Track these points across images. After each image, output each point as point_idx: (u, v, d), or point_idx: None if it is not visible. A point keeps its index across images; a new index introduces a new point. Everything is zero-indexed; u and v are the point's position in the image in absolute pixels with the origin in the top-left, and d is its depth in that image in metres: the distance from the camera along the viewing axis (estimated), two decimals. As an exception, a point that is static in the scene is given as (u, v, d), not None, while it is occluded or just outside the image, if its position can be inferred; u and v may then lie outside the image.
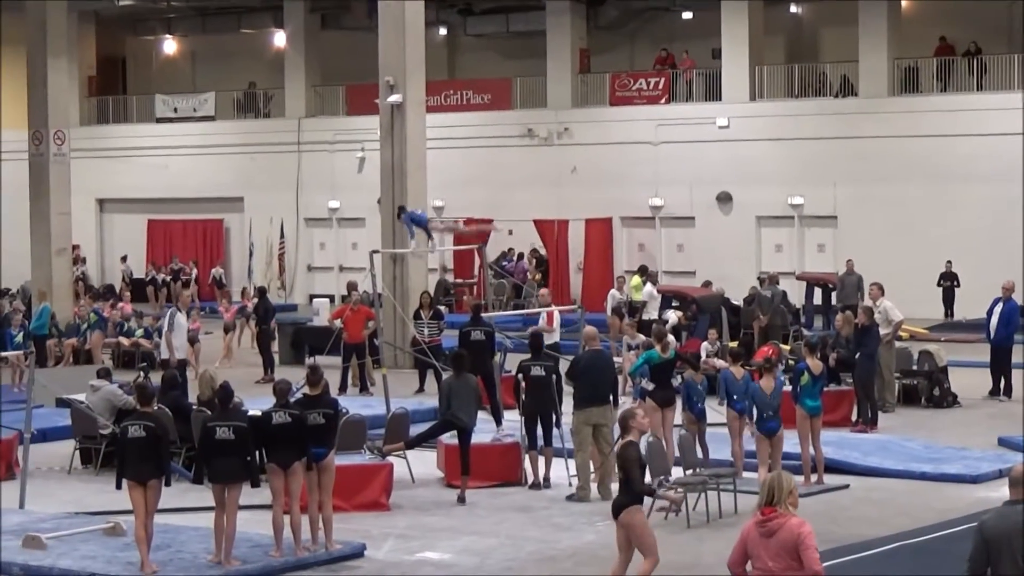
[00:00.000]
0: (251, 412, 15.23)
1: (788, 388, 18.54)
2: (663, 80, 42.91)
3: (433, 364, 23.68)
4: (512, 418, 19.07)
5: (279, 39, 49.26)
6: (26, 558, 14.40)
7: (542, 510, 17.03)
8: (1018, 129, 36.97)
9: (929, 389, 24.58)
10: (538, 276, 41.89)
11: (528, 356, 18.31)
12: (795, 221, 40.92)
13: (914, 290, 34.78)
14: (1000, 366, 25.29)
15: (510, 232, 41.52)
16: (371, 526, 16.00)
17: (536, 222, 43.04)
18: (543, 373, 18.07)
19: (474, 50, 48.20)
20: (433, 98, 37.32)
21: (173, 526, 15.47)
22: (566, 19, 44.26)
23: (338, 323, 26.62)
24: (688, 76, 42.87)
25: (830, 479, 18.12)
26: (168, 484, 14.04)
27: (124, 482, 13.89)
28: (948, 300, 37.28)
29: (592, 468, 17.54)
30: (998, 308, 25.36)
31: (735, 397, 17.79)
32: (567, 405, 18.22)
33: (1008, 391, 25.09)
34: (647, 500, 12.34)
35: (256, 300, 30.69)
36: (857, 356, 22.42)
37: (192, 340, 27.46)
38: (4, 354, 23.16)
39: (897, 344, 24.86)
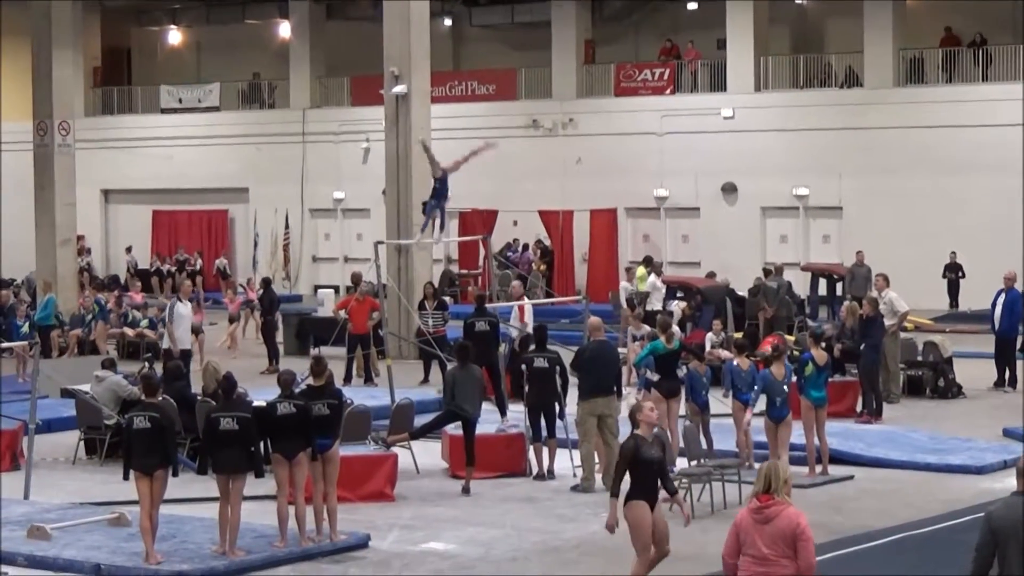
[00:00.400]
0: (256, 403, 15.25)
1: (794, 379, 18.53)
2: (668, 71, 42.85)
3: (438, 355, 23.66)
4: (517, 409, 19.08)
5: (284, 30, 49.19)
6: (31, 548, 14.42)
7: (546, 501, 17.03)
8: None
9: (934, 380, 24.57)
10: (543, 267, 41.90)
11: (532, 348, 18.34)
12: (800, 212, 40.87)
13: (919, 281, 34.77)
14: (1005, 357, 25.28)
15: (515, 223, 41.45)
16: (375, 517, 16.01)
17: (541, 213, 43.02)
18: (546, 365, 18.08)
19: (479, 41, 48.12)
20: (438, 89, 37.27)
21: (178, 516, 15.48)
22: (571, 10, 44.17)
23: (343, 314, 26.58)
24: (693, 67, 42.79)
25: (835, 470, 18.13)
26: (176, 475, 14.05)
27: (131, 473, 13.92)
28: (953, 291, 37.28)
29: (596, 459, 17.54)
30: (1001, 299, 25.38)
31: (741, 389, 17.79)
32: (572, 396, 18.22)
33: (1013, 382, 25.08)
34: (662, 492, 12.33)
35: (261, 291, 30.70)
36: (862, 347, 22.40)
37: (196, 330, 27.45)
38: (9, 345, 23.06)
39: (902, 335, 24.84)
